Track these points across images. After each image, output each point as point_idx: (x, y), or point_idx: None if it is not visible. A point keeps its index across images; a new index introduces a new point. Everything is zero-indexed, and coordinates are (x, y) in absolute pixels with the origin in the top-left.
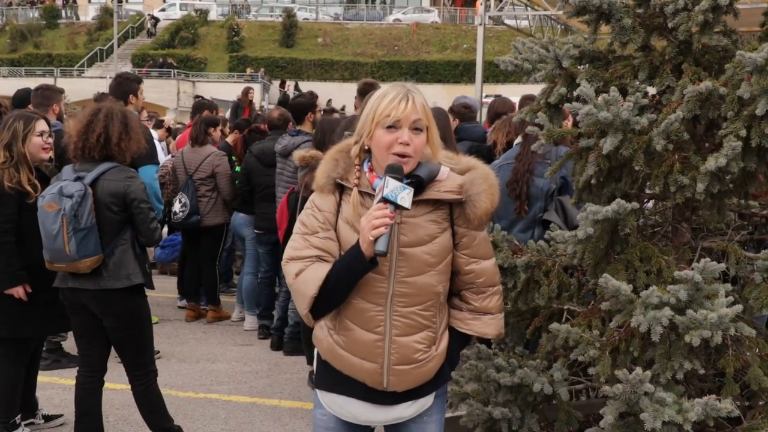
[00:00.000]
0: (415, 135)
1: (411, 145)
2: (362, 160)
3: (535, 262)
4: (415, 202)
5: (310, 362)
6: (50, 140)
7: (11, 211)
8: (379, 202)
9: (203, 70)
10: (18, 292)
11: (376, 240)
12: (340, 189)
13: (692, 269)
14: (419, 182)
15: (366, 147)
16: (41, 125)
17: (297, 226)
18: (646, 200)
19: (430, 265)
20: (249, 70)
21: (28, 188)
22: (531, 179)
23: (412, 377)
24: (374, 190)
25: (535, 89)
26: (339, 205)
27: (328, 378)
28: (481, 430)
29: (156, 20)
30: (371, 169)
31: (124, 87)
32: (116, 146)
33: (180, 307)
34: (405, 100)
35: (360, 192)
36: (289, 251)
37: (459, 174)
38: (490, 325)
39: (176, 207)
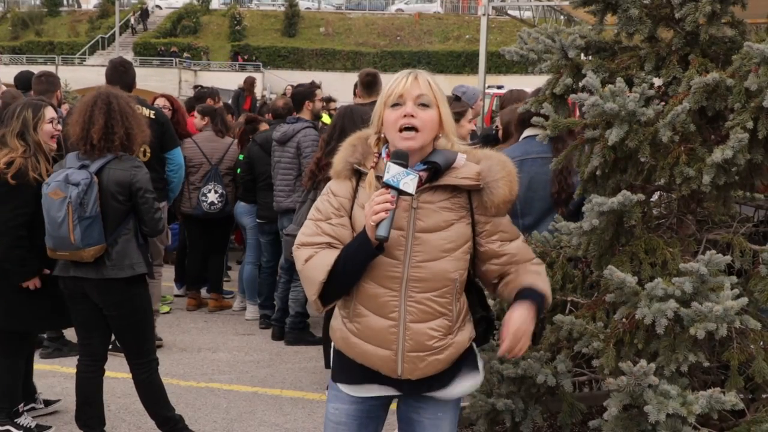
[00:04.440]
0: (421, 110)
1: (417, 118)
2: (380, 147)
3: (540, 254)
4: (432, 188)
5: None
6: (59, 127)
7: (27, 202)
8: (382, 187)
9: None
10: (33, 283)
11: (378, 225)
12: (357, 175)
13: (697, 261)
14: (436, 169)
15: (382, 134)
16: (51, 112)
17: (311, 212)
18: (651, 192)
19: (446, 251)
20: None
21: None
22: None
23: (426, 365)
24: None
25: (539, 80)
26: (355, 191)
27: (345, 370)
28: (484, 421)
29: (145, 14)
30: (389, 155)
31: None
32: (120, 142)
33: (177, 295)
34: (407, 76)
35: (376, 176)
36: (300, 237)
37: (474, 163)
38: (541, 279)
39: (212, 197)
